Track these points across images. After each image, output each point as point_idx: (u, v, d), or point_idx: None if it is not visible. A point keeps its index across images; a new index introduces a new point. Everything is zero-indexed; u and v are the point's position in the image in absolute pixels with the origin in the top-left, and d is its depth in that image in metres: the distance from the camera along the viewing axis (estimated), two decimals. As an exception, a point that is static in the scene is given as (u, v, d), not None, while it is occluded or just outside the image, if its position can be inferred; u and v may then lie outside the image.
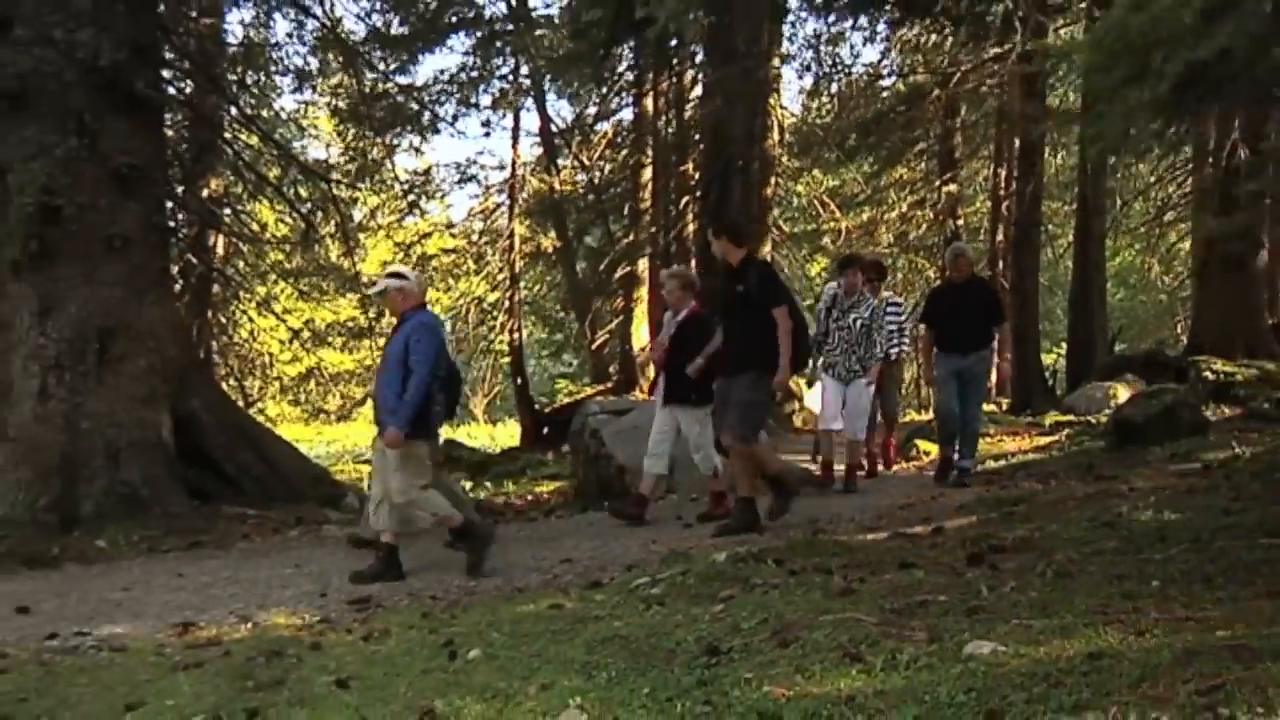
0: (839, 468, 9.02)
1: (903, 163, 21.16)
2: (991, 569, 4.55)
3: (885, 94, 18.60)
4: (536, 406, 19.08)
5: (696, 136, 18.03)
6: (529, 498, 11.49)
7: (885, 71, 18.54)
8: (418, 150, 18.27)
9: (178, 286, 13.60)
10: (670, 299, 8.11)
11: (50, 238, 8.67)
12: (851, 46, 20.42)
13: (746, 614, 4.11)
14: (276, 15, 14.84)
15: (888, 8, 12.42)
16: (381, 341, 19.01)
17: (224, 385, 16.13)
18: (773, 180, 17.31)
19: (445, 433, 22.27)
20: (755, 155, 16.17)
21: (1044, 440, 11.40)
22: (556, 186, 18.91)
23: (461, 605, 5.32)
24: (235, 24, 15.45)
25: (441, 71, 15.38)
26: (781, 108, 18.30)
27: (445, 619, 4.95)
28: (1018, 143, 18.48)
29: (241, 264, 17.54)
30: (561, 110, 19.83)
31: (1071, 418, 12.77)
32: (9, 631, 5.43)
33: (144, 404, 8.78)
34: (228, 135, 14.81)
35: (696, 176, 18.36)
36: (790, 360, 6.95)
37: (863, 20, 14.36)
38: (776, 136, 17.44)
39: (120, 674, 4.47)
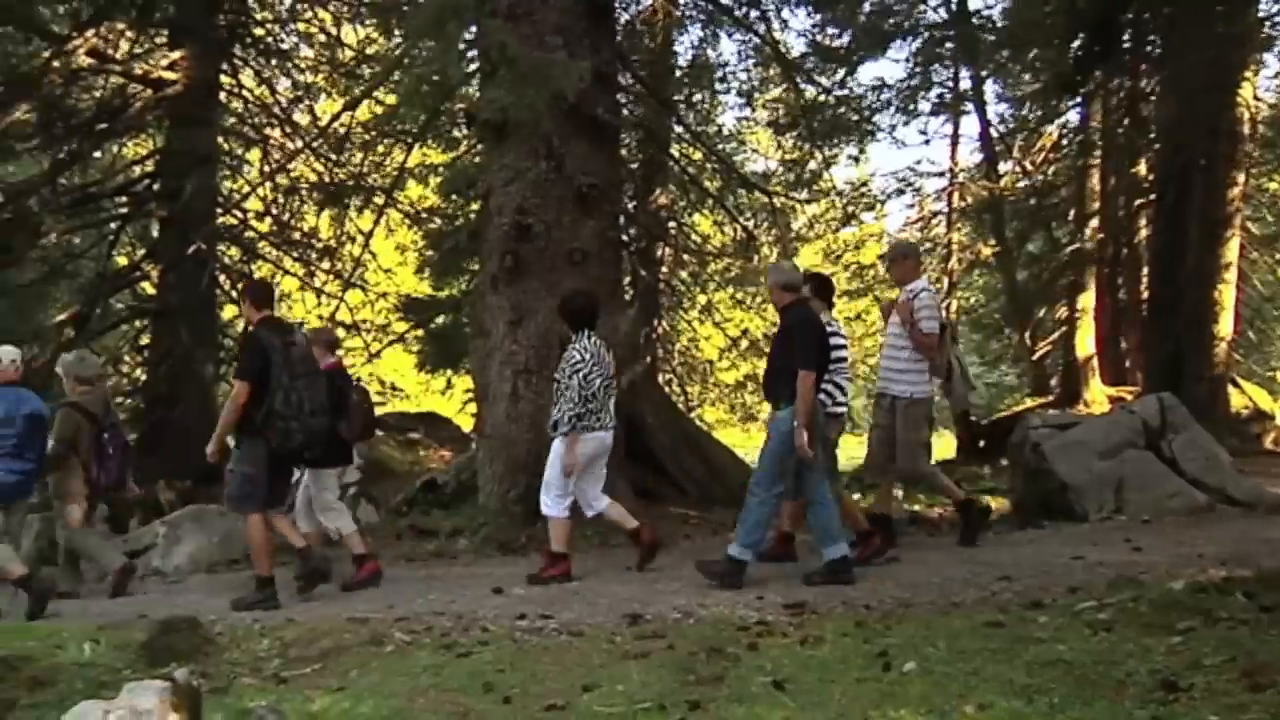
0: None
1: None
2: None
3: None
4: (972, 418, 18.53)
5: (1151, 135, 16.76)
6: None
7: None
8: (855, 160, 18.24)
9: (628, 296, 14.46)
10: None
11: (522, 254, 9.54)
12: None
13: (1209, 650, 3.81)
14: (722, 36, 15.46)
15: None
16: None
17: (668, 390, 16.96)
18: (1240, 178, 15.78)
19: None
20: (1219, 152, 14.81)
21: None
22: (997, 193, 18.29)
23: (896, 616, 5.29)
24: (684, 47, 16.21)
25: (880, 81, 15.30)
26: (1256, 99, 16.61)
27: (879, 629, 4.96)
28: None
29: (684, 274, 18.38)
30: (1003, 113, 19.09)
31: None
32: (488, 609, 6.06)
33: (599, 407, 9.42)
34: (674, 152, 15.61)
35: (1150, 178, 17.11)
36: (220, 432, 6.94)
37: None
38: (1246, 130, 15.86)
39: (578, 657, 4.84)
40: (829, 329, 7.28)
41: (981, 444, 17.00)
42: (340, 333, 16.68)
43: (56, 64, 13.87)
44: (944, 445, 22.51)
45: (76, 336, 14.53)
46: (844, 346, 7.62)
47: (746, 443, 22.60)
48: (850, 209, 19.45)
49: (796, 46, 14.57)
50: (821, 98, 13.88)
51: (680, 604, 5.94)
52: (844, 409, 7.72)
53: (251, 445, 6.96)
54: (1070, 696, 3.49)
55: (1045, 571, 6.31)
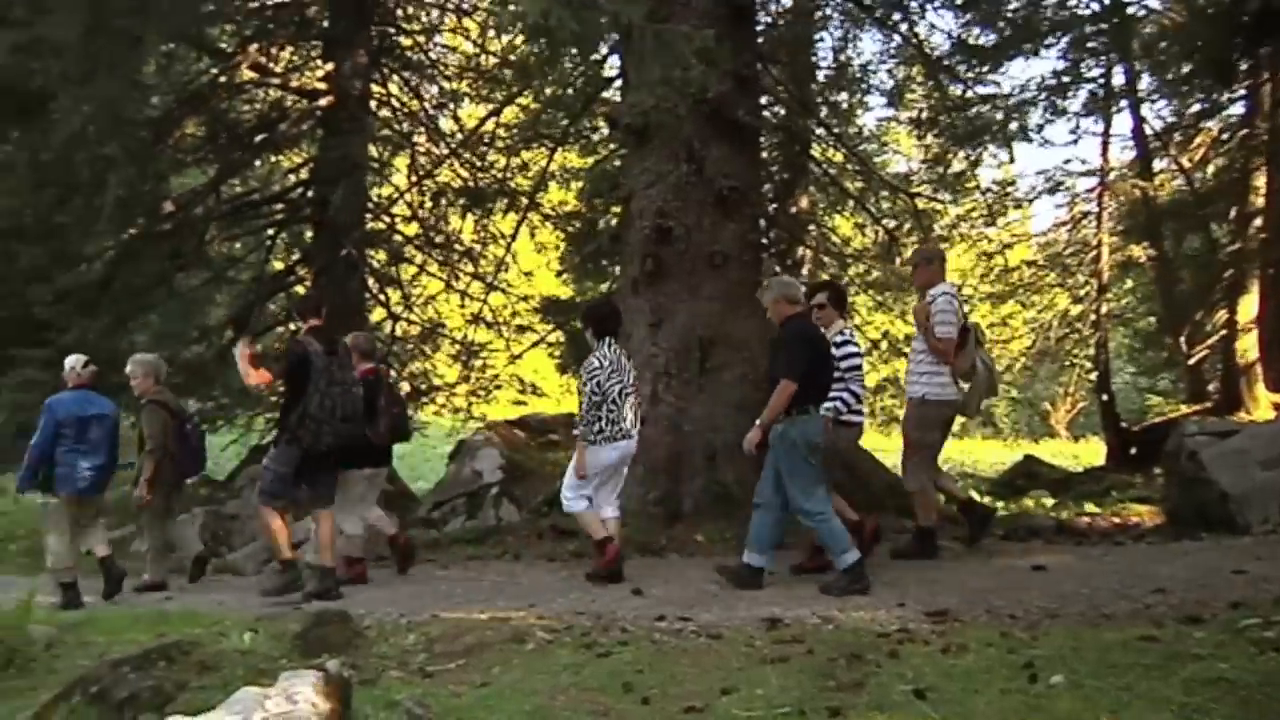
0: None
1: None
2: None
3: None
4: (1123, 424, 17.90)
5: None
6: (1115, 520, 10.82)
7: None
8: (1002, 160, 17.76)
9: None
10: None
11: (663, 257, 9.61)
12: None
13: (1394, 675, 3.62)
14: (863, 36, 15.27)
15: None
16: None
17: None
18: None
19: (1025, 448, 21.62)
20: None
21: None
22: (1151, 192, 17.62)
23: (1042, 627, 5.15)
24: (825, 48, 16.06)
25: (1028, 79, 14.86)
26: None
27: (1025, 639, 4.85)
28: None
29: (825, 276, 18.20)
30: (1160, 109, 18.30)
31: None
32: (627, 610, 6.13)
33: (737, 410, 9.41)
34: (815, 153, 15.49)
35: (1322, 172, 16.23)
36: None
37: None
38: None
39: (716, 659, 4.86)
40: (841, 337, 7.50)
41: (1133, 451, 16.40)
42: (483, 334, 17.10)
43: (223, 79, 14.54)
44: (1092, 451, 21.82)
45: (236, 337, 15.19)
46: (857, 355, 7.62)
47: (887, 446, 22.34)
48: (996, 210, 18.97)
49: (940, 44, 14.16)
50: (966, 96, 13.58)
51: (819, 609, 5.92)
52: (859, 418, 7.73)
53: (286, 448, 7.60)
54: (1233, 718, 3.35)
55: (1203, 585, 6.04)
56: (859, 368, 7.57)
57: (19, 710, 4.63)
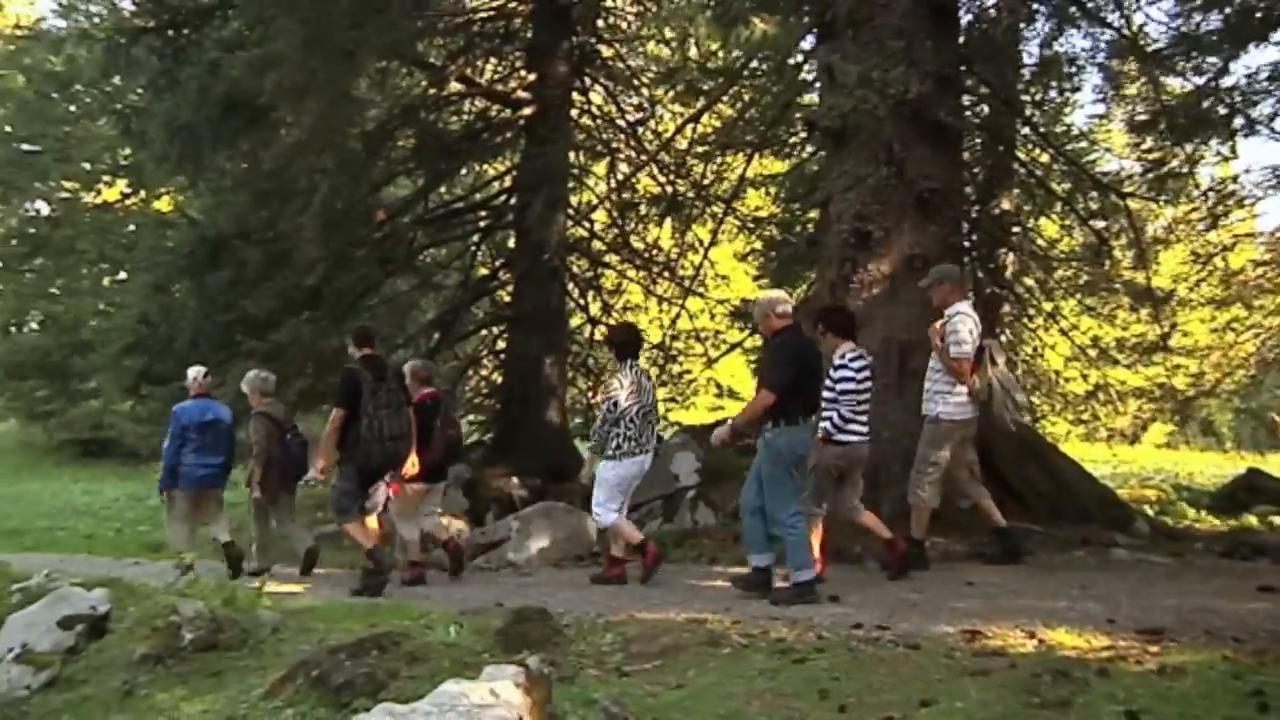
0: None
1: None
2: None
3: None
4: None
5: None
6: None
7: None
8: (1225, 157, 16.72)
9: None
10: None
11: (860, 260, 9.48)
12: None
13: None
14: (1072, 31, 14.66)
15: None
16: (1172, 360, 17.86)
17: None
18: None
19: (1249, 461, 20.42)
20: None
21: None
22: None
23: (1271, 653, 4.82)
24: (1032, 44, 15.50)
25: (1257, 66, 13.72)
26: None
27: (1251, 664, 4.58)
28: None
29: (1029, 280, 17.60)
30: None
31: None
32: (823, 616, 6.08)
33: (936, 416, 9.20)
34: (1020, 153, 14.99)
35: None
36: (324, 448, 8.59)
37: None
38: None
39: (914, 670, 4.77)
40: (841, 360, 7.39)
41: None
42: (678, 344, 17.21)
43: (432, 92, 15.13)
44: (1312, 466, 20.44)
45: (441, 340, 15.76)
46: (851, 379, 7.37)
47: (1094, 456, 21.45)
48: (1216, 209, 17.91)
49: (1158, 36, 13.41)
50: (1185, 90, 12.87)
51: (1023, 622, 5.71)
52: (853, 437, 7.45)
53: (347, 466, 8.48)
54: None
55: None
56: (853, 391, 7.39)
57: (254, 687, 5.05)
